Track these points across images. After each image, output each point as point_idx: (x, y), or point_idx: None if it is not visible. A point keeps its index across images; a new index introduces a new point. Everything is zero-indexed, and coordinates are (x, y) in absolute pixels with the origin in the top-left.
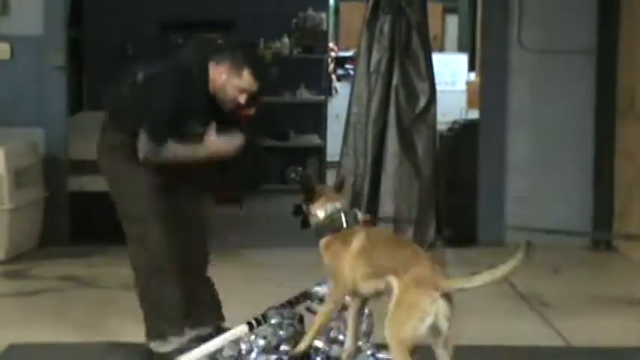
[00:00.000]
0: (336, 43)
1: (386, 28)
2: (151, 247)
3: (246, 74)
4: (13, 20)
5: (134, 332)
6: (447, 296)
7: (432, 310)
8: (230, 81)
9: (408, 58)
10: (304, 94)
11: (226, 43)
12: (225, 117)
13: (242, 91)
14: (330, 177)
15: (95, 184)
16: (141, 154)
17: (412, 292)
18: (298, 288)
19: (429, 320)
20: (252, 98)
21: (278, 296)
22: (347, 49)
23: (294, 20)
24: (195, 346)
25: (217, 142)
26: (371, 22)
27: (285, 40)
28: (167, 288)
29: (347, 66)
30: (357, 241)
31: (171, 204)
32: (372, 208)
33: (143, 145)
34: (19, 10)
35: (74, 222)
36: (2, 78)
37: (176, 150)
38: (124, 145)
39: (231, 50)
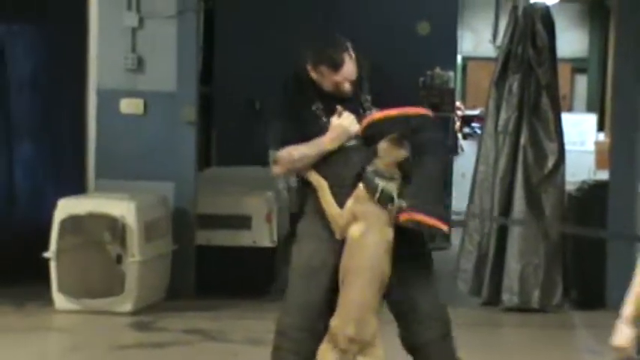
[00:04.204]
0: (463, 101)
1: (515, 87)
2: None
3: (324, 71)
4: (148, 77)
5: None
6: None
7: None
8: (319, 78)
9: (537, 118)
10: None
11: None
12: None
13: (335, 83)
14: (455, 236)
15: (222, 238)
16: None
17: None
18: None
19: None
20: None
21: None
22: (474, 108)
23: (422, 78)
24: None
25: (336, 122)
26: (499, 81)
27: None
28: None
29: (473, 124)
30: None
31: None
32: (499, 268)
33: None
34: (154, 67)
35: (201, 275)
36: (135, 132)
37: (297, 149)
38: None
39: (308, 52)
